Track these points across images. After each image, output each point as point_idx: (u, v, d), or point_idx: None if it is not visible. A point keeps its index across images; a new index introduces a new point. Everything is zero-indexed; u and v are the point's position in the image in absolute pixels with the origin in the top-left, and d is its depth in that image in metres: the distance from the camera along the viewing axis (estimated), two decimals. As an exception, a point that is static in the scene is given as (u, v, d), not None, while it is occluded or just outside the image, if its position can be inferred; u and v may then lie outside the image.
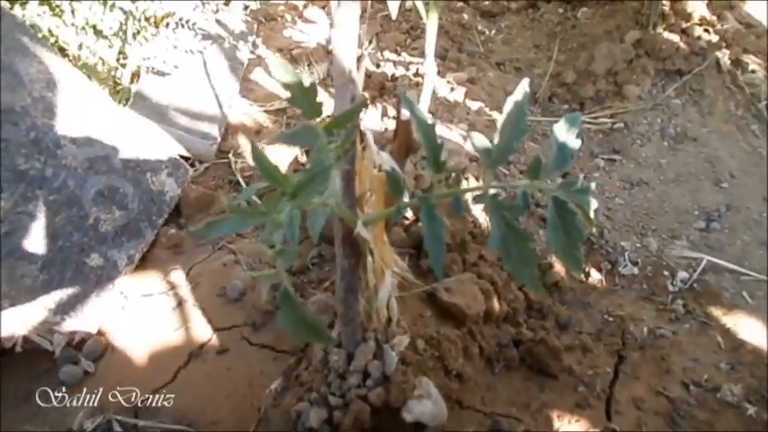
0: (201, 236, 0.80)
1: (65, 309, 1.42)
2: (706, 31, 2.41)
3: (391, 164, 0.90)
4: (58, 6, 1.79)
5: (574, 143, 0.84)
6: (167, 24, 2.33)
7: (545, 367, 1.35)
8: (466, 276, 1.40)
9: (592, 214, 0.85)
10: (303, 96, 0.71)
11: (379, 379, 1.12)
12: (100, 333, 1.48)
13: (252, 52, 2.65)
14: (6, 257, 1.36)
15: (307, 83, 0.76)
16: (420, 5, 1.64)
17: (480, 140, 0.81)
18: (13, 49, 1.51)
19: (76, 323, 1.44)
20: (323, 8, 3.10)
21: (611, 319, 1.51)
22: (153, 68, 2.10)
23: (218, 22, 2.57)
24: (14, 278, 1.36)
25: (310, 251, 1.65)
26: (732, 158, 1.95)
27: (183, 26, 2.37)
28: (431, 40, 1.64)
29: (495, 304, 1.42)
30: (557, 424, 1.27)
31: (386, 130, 1.98)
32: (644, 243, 1.69)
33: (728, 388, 1.32)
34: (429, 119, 0.83)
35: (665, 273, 1.61)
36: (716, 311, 1.51)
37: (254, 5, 2.69)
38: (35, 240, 1.41)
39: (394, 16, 1.61)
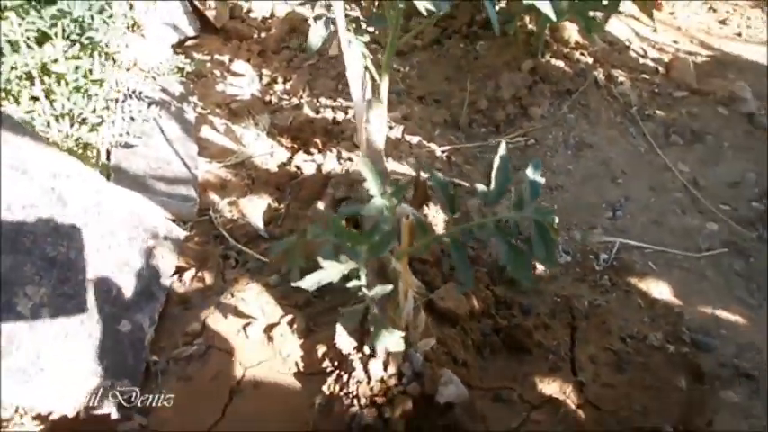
0: (305, 287, 1.06)
1: (112, 373, 1.60)
2: (582, 54, 2.95)
3: (413, 212, 1.22)
4: (36, 99, 1.92)
5: (540, 180, 1.22)
6: (116, 99, 2.48)
7: (521, 345, 1.73)
8: (450, 285, 1.75)
9: (555, 226, 1.23)
10: (373, 174, 1.02)
11: (412, 376, 1.43)
12: (144, 389, 1.66)
13: (195, 111, 2.85)
14: (56, 337, 1.52)
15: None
16: (372, 68, 1.96)
17: (481, 188, 1.16)
18: (19, 149, 1.66)
19: (123, 383, 1.61)
20: (247, 61, 3.33)
21: (559, 299, 1.92)
22: (120, 142, 2.26)
23: (160, 89, 2.74)
24: (66, 358, 1.52)
25: (310, 286, 1.92)
26: (620, 158, 2.46)
27: (131, 97, 2.53)
28: (384, 96, 1.97)
29: (475, 303, 1.78)
30: (539, 386, 1.65)
31: (346, 171, 2.29)
32: (570, 236, 2.13)
33: (653, 335, 1.77)
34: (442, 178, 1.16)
35: (591, 256, 2.05)
36: (633, 280, 1.97)
37: (187, 67, 2.86)
38: (77, 318, 1.57)
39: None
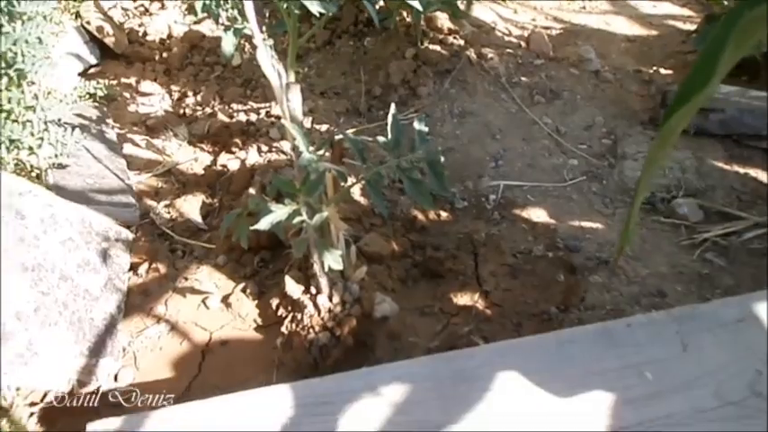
0: (261, 228, 1.36)
1: (94, 353, 1.83)
2: (455, 38, 3.43)
3: (334, 166, 1.57)
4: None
5: (426, 130, 1.61)
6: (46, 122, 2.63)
7: (436, 273, 2.13)
8: (373, 234, 2.13)
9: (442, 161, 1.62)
10: (300, 134, 1.36)
11: (352, 302, 1.79)
12: (123, 366, 1.91)
13: (114, 131, 3.04)
14: (42, 326, 1.73)
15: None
16: (282, 69, 2.29)
17: (382, 139, 1.53)
18: (-26, 174, 1.85)
19: (105, 362, 1.85)
20: (154, 80, 3.54)
21: (461, 236, 2.34)
22: (54, 164, 2.45)
23: (76, 114, 2.92)
24: (53, 343, 1.74)
25: (254, 258, 2.22)
26: (497, 120, 2.94)
27: (52, 123, 2.70)
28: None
29: (395, 247, 2.16)
30: (454, 300, 2.06)
31: (269, 162, 2.61)
32: (465, 185, 2.57)
33: (536, 248, 2.23)
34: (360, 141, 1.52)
35: (483, 199, 2.50)
36: (517, 212, 2.43)
37: (99, 92, 3.03)
38: (55, 310, 1.79)
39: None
